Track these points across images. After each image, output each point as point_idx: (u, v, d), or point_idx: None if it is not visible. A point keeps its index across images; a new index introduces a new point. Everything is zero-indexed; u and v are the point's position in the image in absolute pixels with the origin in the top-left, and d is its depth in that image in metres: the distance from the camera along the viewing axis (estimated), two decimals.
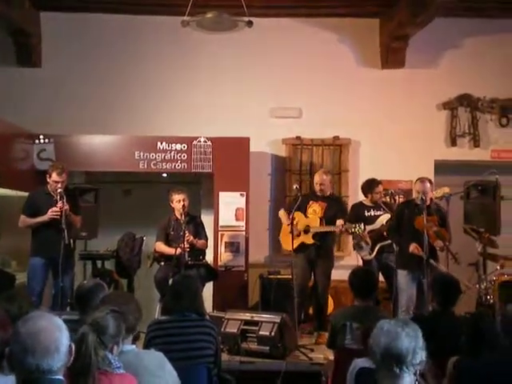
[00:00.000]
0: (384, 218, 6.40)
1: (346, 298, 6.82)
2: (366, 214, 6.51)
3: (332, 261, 6.44)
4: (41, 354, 2.01)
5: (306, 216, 6.34)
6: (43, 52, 7.85)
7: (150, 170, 7.11)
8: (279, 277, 6.88)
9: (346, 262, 7.19)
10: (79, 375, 2.36)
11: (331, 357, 4.43)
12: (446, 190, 5.99)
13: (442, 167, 7.61)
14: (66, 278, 5.76)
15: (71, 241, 5.78)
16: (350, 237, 6.86)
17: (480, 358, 3.08)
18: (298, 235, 6.28)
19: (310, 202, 6.39)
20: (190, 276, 4.34)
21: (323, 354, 5.28)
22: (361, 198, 6.87)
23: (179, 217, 6.29)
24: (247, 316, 5.51)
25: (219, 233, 7.06)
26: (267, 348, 5.26)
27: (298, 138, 7.79)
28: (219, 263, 6.98)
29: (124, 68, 7.82)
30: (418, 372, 2.37)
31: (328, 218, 6.30)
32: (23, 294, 4.95)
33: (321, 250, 6.28)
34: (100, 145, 7.16)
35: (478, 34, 7.81)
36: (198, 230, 6.49)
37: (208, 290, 6.45)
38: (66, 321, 2.15)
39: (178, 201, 6.33)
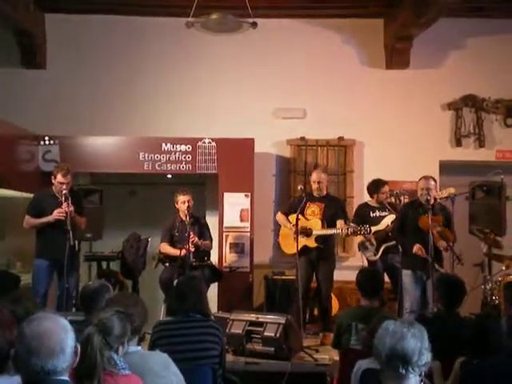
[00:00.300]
0: (389, 218, 6.38)
1: (352, 299, 6.83)
2: (372, 214, 6.49)
3: (333, 262, 6.40)
4: (45, 354, 2.01)
5: (305, 218, 6.26)
6: (48, 53, 7.88)
7: (154, 171, 7.11)
8: (284, 277, 6.87)
9: (351, 263, 7.21)
10: (85, 376, 2.36)
11: (336, 357, 4.41)
12: (452, 190, 5.96)
13: (446, 168, 7.59)
14: (71, 279, 5.75)
15: (76, 242, 5.78)
16: (355, 238, 6.84)
17: (486, 359, 3.07)
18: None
19: (308, 204, 6.29)
20: (194, 277, 4.32)
21: (328, 355, 5.28)
22: (366, 198, 6.87)
23: (184, 218, 6.30)
24: (252, 317, 5.50)
25: (224, 234, 7.06)
26: (272, 349, 5.24)
27: (303, 138, 7.78)
28: (224, 264, 6.99)
29: (128, 69, 7.83)
30: (423, 373, 2.35)
31: (327, 218, 6.25)
32: (28, 295, 4.95)
33: (322, 252, 6.22)
34: (105, 146, 7.17)
35: (482, 35, 7.80)
36: (203, 231, 6.49)
37: (213, 291, 6.44)
38: (71, 322, 2.15)
39: (183, 202, 6.33)
